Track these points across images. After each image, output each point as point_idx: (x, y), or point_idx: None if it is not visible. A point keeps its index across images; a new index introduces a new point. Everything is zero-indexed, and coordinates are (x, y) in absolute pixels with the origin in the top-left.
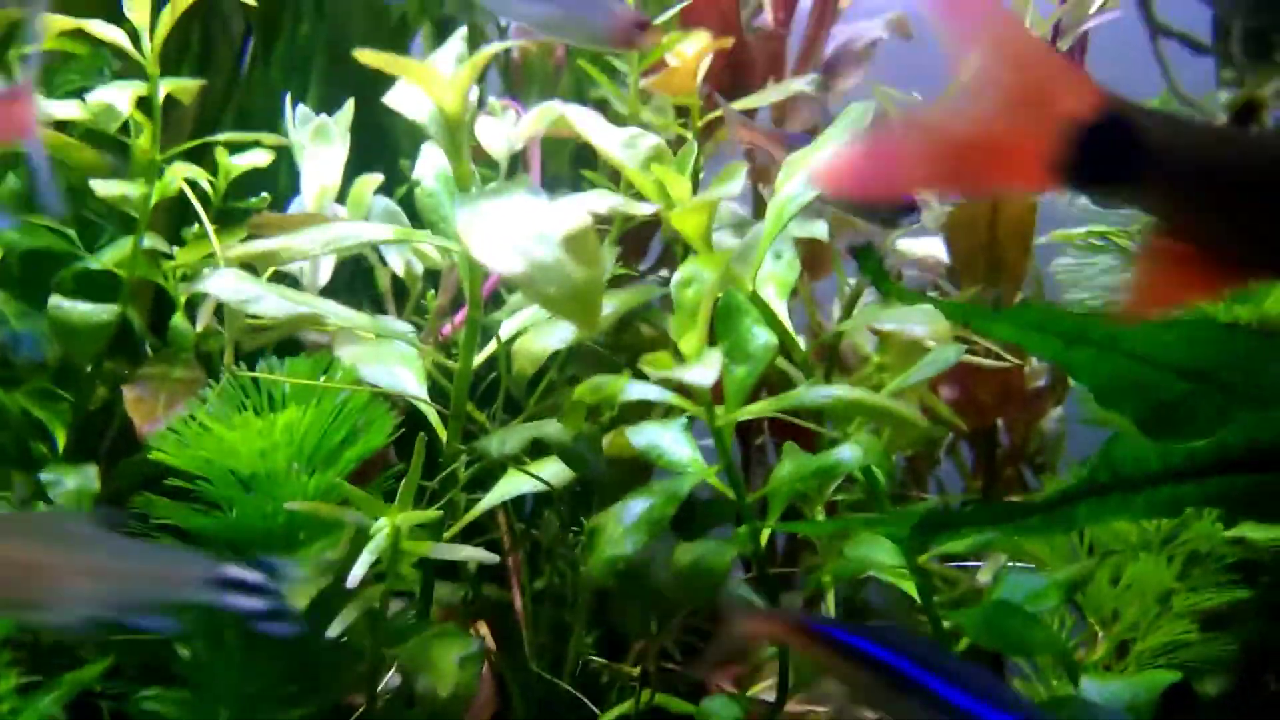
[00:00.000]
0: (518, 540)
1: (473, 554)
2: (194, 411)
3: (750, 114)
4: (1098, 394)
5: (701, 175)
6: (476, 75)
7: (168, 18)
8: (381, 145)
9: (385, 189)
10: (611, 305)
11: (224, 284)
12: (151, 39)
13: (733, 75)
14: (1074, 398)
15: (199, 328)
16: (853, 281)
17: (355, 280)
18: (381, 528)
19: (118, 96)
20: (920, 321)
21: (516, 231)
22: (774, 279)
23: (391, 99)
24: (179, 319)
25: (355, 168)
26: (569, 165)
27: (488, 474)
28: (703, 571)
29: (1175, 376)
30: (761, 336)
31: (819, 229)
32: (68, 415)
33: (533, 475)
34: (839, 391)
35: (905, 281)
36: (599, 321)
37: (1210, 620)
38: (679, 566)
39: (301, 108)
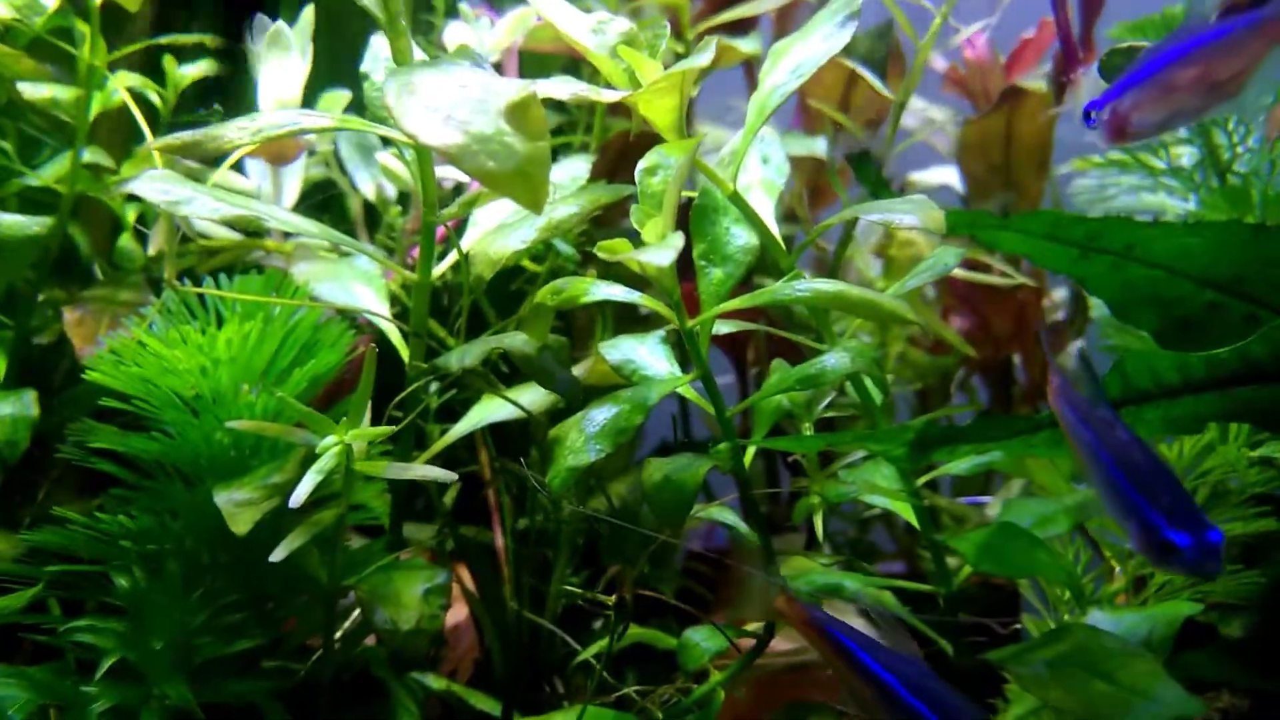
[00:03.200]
0: (498, 475)
1: (428, 473)
2: (134, 329)
3: (749, 22)
4: (1114, 308)
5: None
6: None
7: None
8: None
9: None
10: (577, 205)
11: (152, 184)
12: None
13: None
14: (1095, 331)
15: (151, 251)
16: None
17: (329, 207)
18: (329, 446)
19: None
20: (910, 211)
21: (453, 102)
22: (761, 183)
23: None
24: (126, 239)
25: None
26: None
27: (465, 404)
28: (671, 488)
29: (1198, 285)
30: (741, 237)
31: (818, 145)
32: (9, 342)
33: (508, 399)
34: (821, 285)
35: None
36: (544, 199)
37: (1235, 555)
38: (647, 483)
39: (260, 16)
